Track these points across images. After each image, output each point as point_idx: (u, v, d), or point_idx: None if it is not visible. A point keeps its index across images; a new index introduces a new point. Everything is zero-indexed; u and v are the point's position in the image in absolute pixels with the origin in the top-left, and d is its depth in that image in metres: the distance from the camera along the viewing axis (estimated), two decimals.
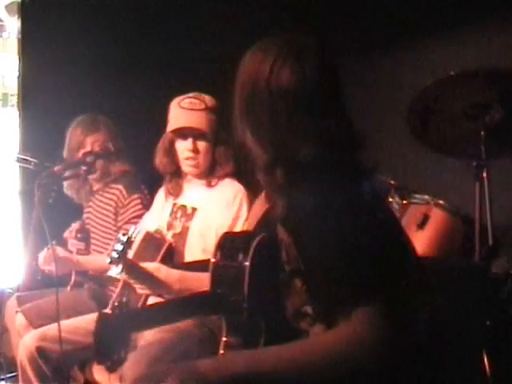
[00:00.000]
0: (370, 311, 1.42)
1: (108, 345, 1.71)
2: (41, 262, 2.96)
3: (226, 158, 2.56)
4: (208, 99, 2.59)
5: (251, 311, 1.68)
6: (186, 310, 1.84)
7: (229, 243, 1.82)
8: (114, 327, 1.73)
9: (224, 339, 1.76)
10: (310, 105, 1.55)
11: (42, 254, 2.99)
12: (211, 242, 2.43)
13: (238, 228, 2.47)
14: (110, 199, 3.05)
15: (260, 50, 1.61)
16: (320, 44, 1.62)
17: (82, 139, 3.06)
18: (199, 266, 2.19)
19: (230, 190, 2.56)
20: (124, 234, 2.30)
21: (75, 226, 3.13)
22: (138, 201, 2.97)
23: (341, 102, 1.63)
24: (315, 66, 1.57)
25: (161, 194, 2.78)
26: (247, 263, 1.71)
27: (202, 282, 2.04)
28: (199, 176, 2.63)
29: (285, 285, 1.67)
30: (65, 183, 3.15)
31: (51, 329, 2.48)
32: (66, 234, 3.11)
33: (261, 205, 1.88)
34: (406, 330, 1.46)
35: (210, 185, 2.61)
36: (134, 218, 2.91)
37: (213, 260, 1.79)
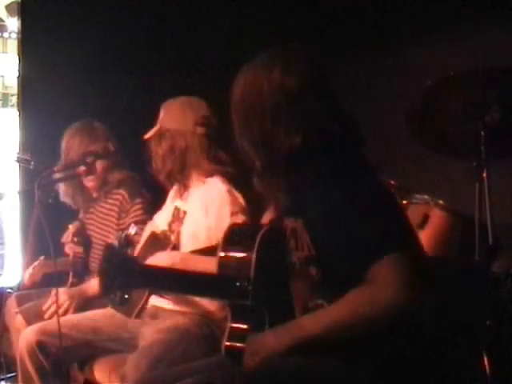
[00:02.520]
0: (395, 258, 1.50)
1: (111, 276, 1.78)
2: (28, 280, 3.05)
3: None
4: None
5: (256, 296, 1.69)
6: (191, 286, 1.86)
7: (236, 231, 1.87)
8: (119, 261, 1.82)
9: (229, 325, 1.79)
10: (303, 103, 1.68)
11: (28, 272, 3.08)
12: (202, 244, 2.44)
13: (223, 226, 2.45)
14: (113, 204, 3.05)
15: (253, 64, 1.77)
16: (307, 48, 1.77)
17: (83, 151, 3.04)
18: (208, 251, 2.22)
19: (210, 191, 2.54)
20: (123, 232, 2.31)
21: (71, 229, 3.12)
22: (140, 205, 2.98)
23: (332, 100, 1.74)
24: (304, 67, 1.72)
25: (171, 192, 2.79)
26: (254, 249, 1.75)
27: (204, 263, 2.09)
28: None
29: (296, 275, 1.71)
30: (60, 191, 3.15)
31: (52, 323, 2.47)
32: (63, 239, 3.11)
33: (271, 214, 1.98)
34: (428, 276, 1.53)
35: (193, 186, 2.61)
36: (134, 222, 2.90)
37: (222, 254, 1.81)
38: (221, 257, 1.81)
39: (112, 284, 1.80)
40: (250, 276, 1.72)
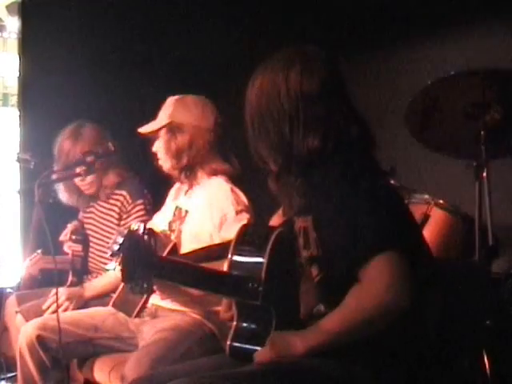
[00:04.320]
0: (392, 255, 1.50)
1: (135, 264, 1.84)
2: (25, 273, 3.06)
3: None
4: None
5: (266, 297, 1.69)
6: (204, 281, 1.86)
7: (249, 232, 1.86)
8: (144, 250, 1.88)
9: (235, 324, 1.78)
10: (321, 105, 1.68)
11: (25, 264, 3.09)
12: (204, 243, 2.44)
13: (227, 224, 2.45)
14: (114, 205, 3.05)
15: (268, 66, 1.75)
16: (321, 50, 1.76)
17: (70, 149, 3.05)
18: (205, 252, 2.22)
19: (214, 189, 2.55)
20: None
21: (70, 227, 3.12)
22: (141, 207, 2.98)
23: (349, 101, 1.74)
24: (323, 69, 1.71)
25: (171, 193, 2.78)
26: (267, 251, 1.75)
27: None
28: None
29: (303, 277, 1.72)
30: (58, 189, 3.15)
31: (52, 319, 2.46)
32: (61, 237, 3.10)
33: (279, 217, 1.99)
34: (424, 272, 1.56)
35: (197, 184, 2.61)
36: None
37: (234, 254, 1.81)
38: (232, 255, 1.80)
39: (135, 272, 1.84)
40: (262, 277, 1.72)
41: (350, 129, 1.68)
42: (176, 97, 2.64)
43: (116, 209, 3.03)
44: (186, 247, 2.53)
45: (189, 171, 2.59)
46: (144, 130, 2.63)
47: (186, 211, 2.61)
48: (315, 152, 1.65)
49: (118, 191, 3.07)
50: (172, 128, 2.56)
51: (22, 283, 3.19)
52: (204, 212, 2.52)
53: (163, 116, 2.61)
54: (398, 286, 1.48)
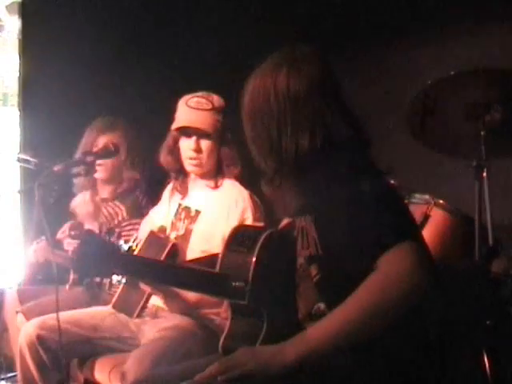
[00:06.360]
0: (412, 243, 1.49)
1: (88, 262, 1.84)
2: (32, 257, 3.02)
3: (232, 159, 2.57)
4: (216, 99, 2.59)
5: (253, 297, 1.69)
6: (189, 280, 1.86)
7: (242, 232, 1.89)
8: (98, 247, 1.87)
9: (228, 324, 1.80)
10: (309, 105, 1.68)
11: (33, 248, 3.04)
12: (215, 245, 2.44)
13: None
14: (112, 217, 3.06)
15: (260, 69, 1.76)
16: (314, 49, 1.77)
17: (95, 138, 3.06)
18: (204, 262, 2.21)
19: (232, 193, 2.56)
20: (126, 242, 2.31)
21: (68, 224, 3.10)
22: (136, 226, 2.96)
23: (341, 101, 1.74)
24: (310, 70, 1.71)
25: (168, 189, 2.78)
26: (255, 251, 1.76)
27: None
28: (202, 176, 2.63)
29: (301, 277, 1.71)
30: (75, 185, 3.15)
31: (53, 318, 2.46)
32: (59, 235, 3.08)
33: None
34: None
35: (215, 186, 2.61)
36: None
37: (224, 253, 1.83)
38: (223, 255, 1.81)
39: (86, 269, 1.84)
40: (249, 277, 1.72)
41: (341, 128, 1.68)
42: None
43: (115, 222, 3.03)
44: (195, 248, 2.53)
45: (213, 172, 2.61)
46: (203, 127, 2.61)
47: (197, 211, 2.60)
48: (304, 152, 1.66)
49: (118, 203, 3.08)
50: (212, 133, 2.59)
51: (27, 269, 3.16)
52: (220, 213, 2.53)
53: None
54: (421, 268, 1.46)
